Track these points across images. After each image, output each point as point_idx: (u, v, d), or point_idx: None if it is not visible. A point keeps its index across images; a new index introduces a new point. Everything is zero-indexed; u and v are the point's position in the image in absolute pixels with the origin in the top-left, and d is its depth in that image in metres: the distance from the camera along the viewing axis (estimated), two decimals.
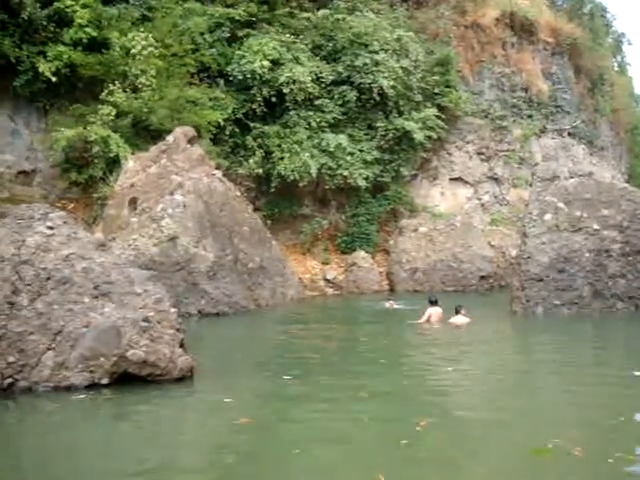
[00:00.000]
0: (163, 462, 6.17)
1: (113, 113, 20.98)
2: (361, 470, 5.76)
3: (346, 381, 9.37)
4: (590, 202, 16.67)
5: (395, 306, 18.65)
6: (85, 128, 20.64)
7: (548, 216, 16.76)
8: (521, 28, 34.05)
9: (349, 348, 12.69)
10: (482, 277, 25.18)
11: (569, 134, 35.15)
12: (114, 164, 20.79)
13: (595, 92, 37.74)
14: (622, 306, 15.90)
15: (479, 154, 31.58)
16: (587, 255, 16.19)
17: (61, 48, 20.98)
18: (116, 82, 21.41)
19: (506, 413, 7.66)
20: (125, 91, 21.51)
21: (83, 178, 21.70)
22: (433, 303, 15.51)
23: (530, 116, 33.36)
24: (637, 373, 7.56)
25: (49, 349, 8.48)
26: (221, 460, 6.21)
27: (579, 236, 16.37)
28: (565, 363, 10.70)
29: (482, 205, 31.24)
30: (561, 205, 16.79)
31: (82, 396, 8.21)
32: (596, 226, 16.36)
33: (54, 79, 20.82)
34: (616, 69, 45.44)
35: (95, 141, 20.44)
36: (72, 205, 21.93)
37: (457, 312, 14.98)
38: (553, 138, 34.36)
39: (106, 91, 21.21)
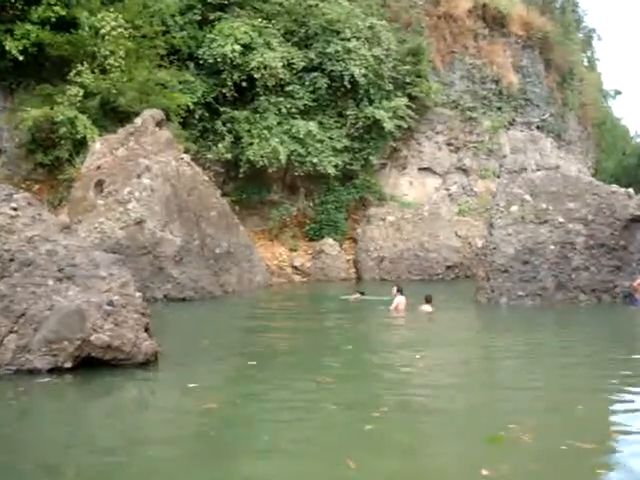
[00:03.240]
0: (125, 443, 6.18)
1: (81, 94, 20.69)
2: (327, 454, 5.86)
3: (310, 367, 9.43)
4: (556, 195, 16.88)
5: (360, 298, 18.17)
6: (52, 108, 20.35)
7: (514, 208, 16.94)
8: (493, 20, 34.21)
9: (314, 335, 12.72)
10: (448, 267, 25.40)
11: (537, 127, 35.44)
12: (81, 146, 20.55)
13: (564, 86, 38.06)
14: (585, 298, 16.17)
15: (448, 145, 31.76)
16: (552, 247, 16.41)
17: (29, 26, 20.64)
18: (84, 62, 21.10)
19: (465, 401, 7.76)
20: (93, 72, 21.22)
21: (49, 159, 21.43)
22: (400, 292, 15.70)
23: (499, 108, 33.57)
24: None
25: (12, 332, 8.38)
26: (184, 443, 6.19)
27: (544, 228, 16.57)
28: (526, 353, 10.86)
29: (450, 195, 31.43)
30: (527, 197, 16.98)
31: (45, 380, 8.13)
32: (561, 219, 16.56)
33: (21, 58, 20.49)
34: (586, 64, 45.93)
35: (62, 122, 20.16)
36: (37, 186, 21.63)
37: (427, 301, 15.17)
38: (522, 131, 34.63)
39: (74, 71, 20.91)
